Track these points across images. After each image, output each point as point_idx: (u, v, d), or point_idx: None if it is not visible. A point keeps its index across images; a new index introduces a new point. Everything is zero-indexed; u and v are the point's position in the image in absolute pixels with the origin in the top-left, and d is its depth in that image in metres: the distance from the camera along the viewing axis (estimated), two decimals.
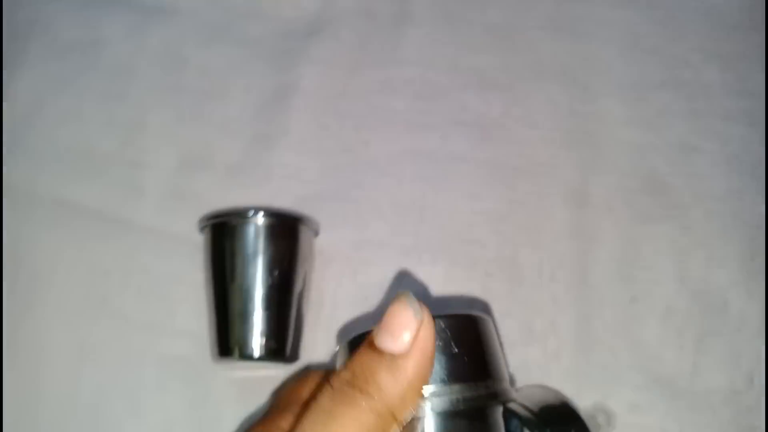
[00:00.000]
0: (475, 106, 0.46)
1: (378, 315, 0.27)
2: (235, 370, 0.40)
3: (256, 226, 0.37)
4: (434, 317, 0.26)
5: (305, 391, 0.32)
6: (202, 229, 0.39)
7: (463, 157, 0.45)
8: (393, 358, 0.25)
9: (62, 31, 0.51)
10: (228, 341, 0.37)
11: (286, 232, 0.38)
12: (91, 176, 0.46)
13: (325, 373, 0.33)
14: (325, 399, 0.25)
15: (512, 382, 0.29)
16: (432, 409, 0.26)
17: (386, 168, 0.44)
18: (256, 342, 0.37)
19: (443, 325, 0.27)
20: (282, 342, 0.37)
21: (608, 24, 0.48)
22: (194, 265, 0.41)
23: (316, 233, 0.42)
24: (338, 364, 0.29)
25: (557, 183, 0.43)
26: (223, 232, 0.38)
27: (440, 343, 0.26)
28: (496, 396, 0.27)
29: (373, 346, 0.26)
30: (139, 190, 0.45)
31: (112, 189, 0.45)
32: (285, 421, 0.30)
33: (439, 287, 0.42)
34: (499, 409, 0.28)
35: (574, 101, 0.46)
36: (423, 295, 0.41)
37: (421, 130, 0.45)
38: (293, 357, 0.38)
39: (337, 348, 0.30)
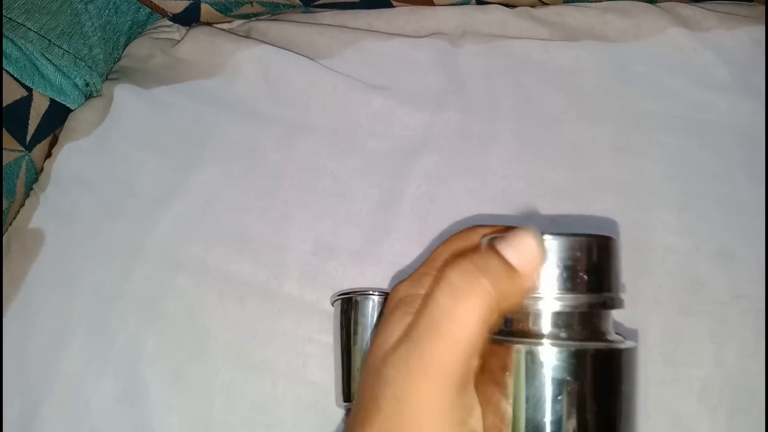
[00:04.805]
0: (547, 215, 0.57)
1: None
2: None
3: (374, 301, 0.50)
4: (570, 235, 0.30)
5: (462, 247, 0.34)
6: (333, 302, 0.53)
7: None
8: (513, 268, 0.29)
9: (229, 139, 0.68)
10: (350, 390, 0.49)
11: None
12: (249, 255, 0.61)
13: (476, 233, 0.35)
14: (455, 275, 0.29)
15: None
16: (549, 308, 0.30)
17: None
18: None
19: (575, 244, 0.30)
20: None
21: (660, 146, 0.59)
22: (323, 328, 0.54)
23: None
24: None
25: None
26: (348, 305, 0.51)
27: (570, 258, 0.30)
28: (606, 303, 0.31)
29: (497, 251, 0.30)
30: (283, 267, 0.59)
31: (263, 266, 0.60)
32: (429, 279, 0.32)
33: None
34: (609, 313, 0.32)
35: (629, 211, 0.56)
36: None
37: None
38: None
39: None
